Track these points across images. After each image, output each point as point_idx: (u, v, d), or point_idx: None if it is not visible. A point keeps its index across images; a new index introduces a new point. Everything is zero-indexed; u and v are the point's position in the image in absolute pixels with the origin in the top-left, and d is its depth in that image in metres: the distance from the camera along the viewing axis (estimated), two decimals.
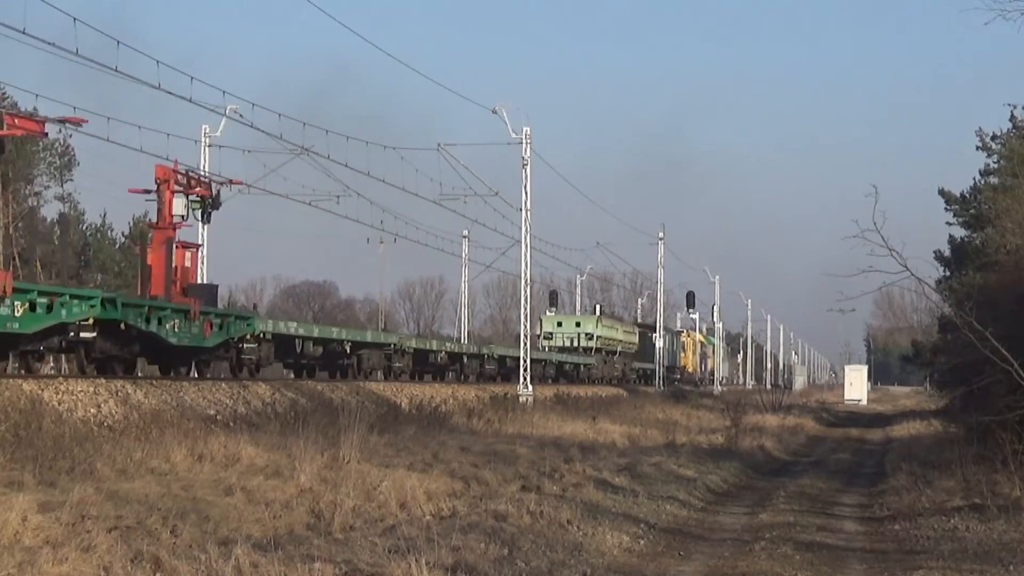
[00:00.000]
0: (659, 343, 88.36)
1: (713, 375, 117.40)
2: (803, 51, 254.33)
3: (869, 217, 21.72)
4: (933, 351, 49.91)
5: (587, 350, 75.40)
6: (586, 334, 75.43)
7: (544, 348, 73.46)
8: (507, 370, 63.30)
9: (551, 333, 75.83)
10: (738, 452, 35.84)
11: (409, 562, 13.91)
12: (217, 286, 40.49)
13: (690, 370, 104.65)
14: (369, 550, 15.00)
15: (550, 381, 64.57)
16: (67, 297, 28.40)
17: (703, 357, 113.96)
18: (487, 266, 75.94)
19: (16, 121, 29.06)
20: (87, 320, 28.63)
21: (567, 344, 74.50)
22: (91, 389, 26.75)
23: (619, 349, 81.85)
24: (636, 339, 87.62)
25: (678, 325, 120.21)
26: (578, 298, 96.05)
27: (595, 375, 74.24)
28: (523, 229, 53.64)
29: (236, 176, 48.79)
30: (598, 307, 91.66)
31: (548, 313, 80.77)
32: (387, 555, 14.61)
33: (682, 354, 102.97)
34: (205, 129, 49.49)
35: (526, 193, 52.90)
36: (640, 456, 30.07)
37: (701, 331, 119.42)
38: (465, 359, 57.48)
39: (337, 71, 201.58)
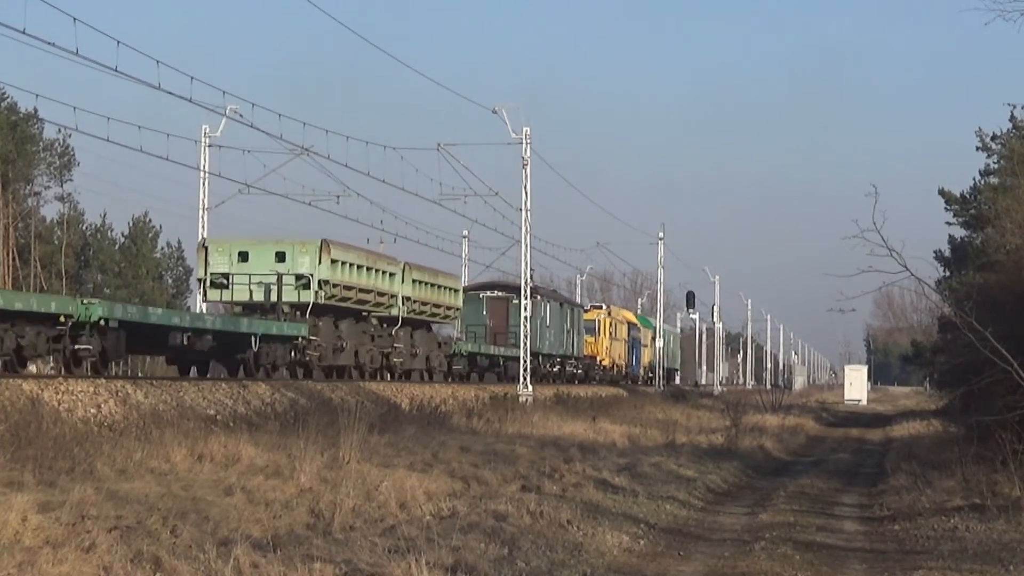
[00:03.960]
0: (659, 342, 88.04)
1: (655, 372, 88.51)
2: (801, 50, 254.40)
3: (869, 217, 21.72)
4: (933, 351, 49.99)
5: (299, 308, 39.82)
6: (297, 277, 39.94)
7: (221, 301, 42.76)
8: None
9: (226, 276, 40.50)
10: (738, 452, 35.84)
11: (409, 562, 13.92)
12: None
13: (605, 363, 76.23)
14: (369, 550, 15.00)
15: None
16: None
17: (634, 345, 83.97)
18: (487, 266, 75.59)
19: None
20: None
21: (260, 298, 39.76)
22: (91, 389, 26.74)
23: (400, 314, 45.50)
24: (456, 301, 51.62)
25: (678, 324, 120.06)
26: (578, 298, 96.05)
27: (313, 359, 39.95)
28: (523, 229, 53.66)
29: (236, 176, 48.85)
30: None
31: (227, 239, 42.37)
32: (387, 555, 14.61)
33: (590, 339, 73.71)
34: (205, 129, 49.49)
35: (526, 193, 52.91)
36: (640, 456, 30.07)
37: (693, 329, 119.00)
38: None
39: (337, 71, 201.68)
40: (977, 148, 48.83)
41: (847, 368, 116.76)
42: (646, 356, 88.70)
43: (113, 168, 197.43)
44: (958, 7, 69.34)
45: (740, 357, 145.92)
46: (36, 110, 71.11)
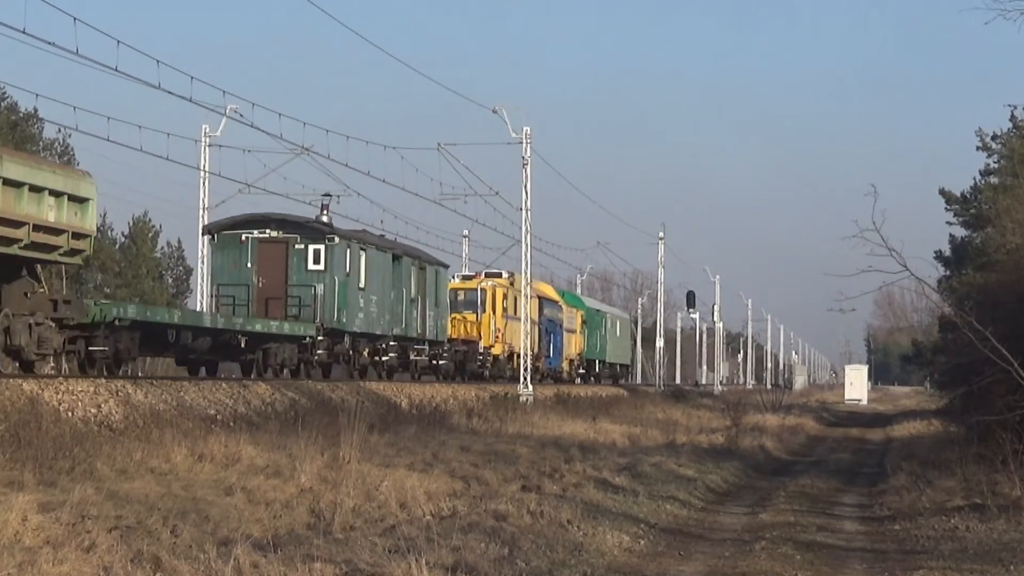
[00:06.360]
0: (660, 341, 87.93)
1: (591, 368, 74.28)
2: (801, 50, 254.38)
3: (869, 217, 21.74)
4: (933, 351, 50.02)
5: None
6: None
7: None
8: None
9: None
10: (738, 452, 35.85)
11: (409, 562, 13.91)
12: None
13: (496, 351, 55.82)
14: (369, 550, 15.00)
15: None
16: None
17: (550, 330, 63.40)
18: (487, 266, 75.81)
19: None
20: None
21: None
22: (91, 389, 26.73)
23: None
24: (83, 221, 28.33)
25: (678, 325, 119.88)
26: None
27: None
28: (523, 229, 53.66)
29: (236, 176, 48.62)
30: None
31: None
32: (387, 555, 14.61)
33: (469, 316, 54.71)
34: (205, 129, 49.50)
35: (526, 193, 52.94)
36: (640, 456, 30.07)
37: (710, 328, 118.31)
38: None
39: (337, 70, 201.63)
40: (977, 148, 48.82)
41: (847, 368, 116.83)
42: (573, 345, 68.92)
43: (113, 168, 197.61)
44: (958, 7, 69.42)
45: (740, 357, 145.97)
46: (36, 110, 70.99)
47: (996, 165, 47.90)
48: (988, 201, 45.20)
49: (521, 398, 49.14)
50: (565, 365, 67.45)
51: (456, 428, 35.12)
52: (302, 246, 39.96)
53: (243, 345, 35.54)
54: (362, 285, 41.73)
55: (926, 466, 28.65)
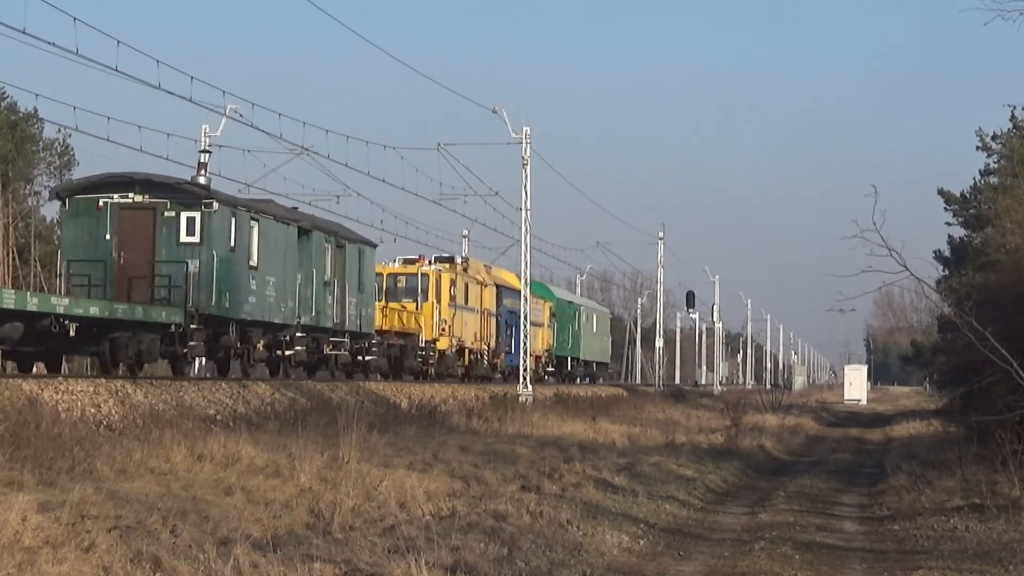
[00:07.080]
0: (659, 341, 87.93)
1: (563, 366, 67.95)
2: (802, 51, 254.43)
3: (869, 217, 21.73)
4: (933, 351, 50.08)
5: None
6: None
7: None
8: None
9: None
10: (738, 452, 35.85)
11: (409, 562, 13.92)
12: None
13: (442, 346, 50.14)
14: (369, 550, 15.00)
15: None
16: None
17: (510, 323, 56.56)
18: (489, 265, 75.67)
19: None
20: None
21: None
22: (91, 389, 26.73)
23: None
24: None
25: (677, 325, 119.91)
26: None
27: None
28: (523, 229, 53.67)
29: (236, 176, 48.39)
30: None
31: None
32: (387, 555, 14.62)
33: (408, 305, 48.87)
34: (205, 129, 49.48)
35: (526, 193, 52.94)
36: (640, 456, 30.07)
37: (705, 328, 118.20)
38: None
39: (337, 70, 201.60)
40: (977, 148, 48.94)
41: (847, 368, 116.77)
42: (540, 341, 61.88)
43: (113, 168, 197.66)
44: (958, 7, 69.49)
45: (740, 357, 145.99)
46: (36, 110, 71.03)
47: (996, 165, 48.00)
48: (988, 201, 45.28)
49: (520, 398, 49.16)
50: (529, 362, 56.53)
51: (456, 428, 35.11)
52: (173, 213, 32.84)
53: (73, 333, 28.05)
54: (253, 263, 34.55)
55: (926, 466, 28.65)
